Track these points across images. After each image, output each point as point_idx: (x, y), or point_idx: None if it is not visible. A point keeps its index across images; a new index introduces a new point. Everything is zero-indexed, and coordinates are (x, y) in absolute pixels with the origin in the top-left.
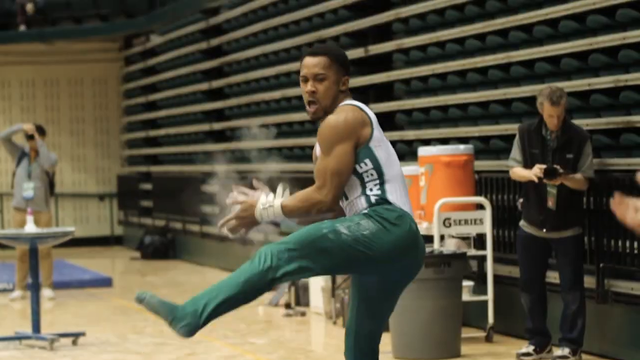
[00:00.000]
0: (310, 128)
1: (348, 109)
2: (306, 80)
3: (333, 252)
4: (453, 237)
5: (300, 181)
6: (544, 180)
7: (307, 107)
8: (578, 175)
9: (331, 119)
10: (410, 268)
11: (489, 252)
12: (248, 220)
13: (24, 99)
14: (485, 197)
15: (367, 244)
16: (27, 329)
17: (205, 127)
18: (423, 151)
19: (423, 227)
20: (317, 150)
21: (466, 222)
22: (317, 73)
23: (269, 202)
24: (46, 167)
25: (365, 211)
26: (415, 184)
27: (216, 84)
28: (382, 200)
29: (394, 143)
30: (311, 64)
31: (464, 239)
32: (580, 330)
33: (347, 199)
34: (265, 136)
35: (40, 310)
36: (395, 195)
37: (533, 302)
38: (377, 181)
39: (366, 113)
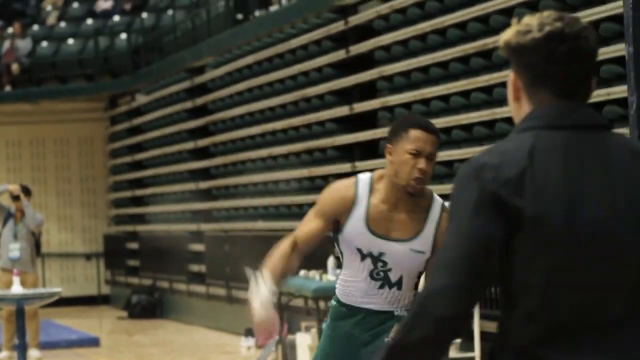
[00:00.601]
0: (295, 187)
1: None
2: (418, 155)
3: None
4: None
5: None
6: None
7: (414, 183)
8: None
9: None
10: None
11: (475, 308)
12: None
13: (10, 159)
14: None
15: None
16: None
17: (191, 186)
18: None
19: None
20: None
21: None
22: (431, 153)
23: None
24: (32, 228)
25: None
26: None
27: (202, 142)
28: None
29: None
30: (429, 141)
31: None
32: None
33: (399, 288)
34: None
35: None
36: None
37: None
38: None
39: None
